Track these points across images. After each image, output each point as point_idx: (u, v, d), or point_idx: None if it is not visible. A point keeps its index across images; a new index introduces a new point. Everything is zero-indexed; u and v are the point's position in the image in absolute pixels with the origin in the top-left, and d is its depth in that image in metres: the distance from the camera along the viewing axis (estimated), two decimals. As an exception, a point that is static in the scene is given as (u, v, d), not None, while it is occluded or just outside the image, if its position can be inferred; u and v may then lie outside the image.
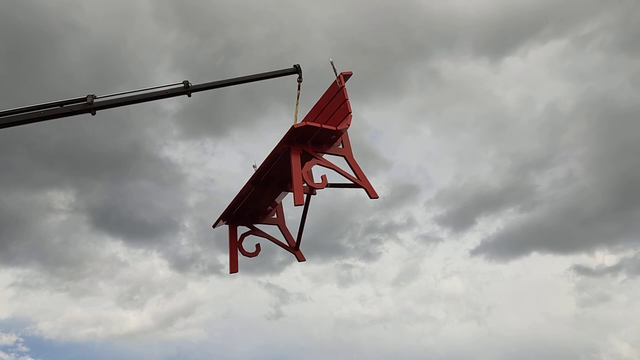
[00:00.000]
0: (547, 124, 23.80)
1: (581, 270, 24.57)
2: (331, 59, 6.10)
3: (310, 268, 25.86)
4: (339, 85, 5.93)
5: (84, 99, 5.48)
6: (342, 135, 5.74)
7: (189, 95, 6.44)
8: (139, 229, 23.39)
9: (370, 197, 5.55)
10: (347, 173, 5.64)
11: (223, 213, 6.52)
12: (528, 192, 23.79)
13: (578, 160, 23.28)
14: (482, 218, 25.10)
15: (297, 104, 6.68)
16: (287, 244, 6.55)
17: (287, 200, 6.68)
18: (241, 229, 6.69)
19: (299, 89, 7.01)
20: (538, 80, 25.27)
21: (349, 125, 5.62)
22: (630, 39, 22.03)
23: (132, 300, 24.07)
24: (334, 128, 5.52)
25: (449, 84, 23.97)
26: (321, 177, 5.49)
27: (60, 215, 22.97)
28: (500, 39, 23.23)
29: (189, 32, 20.91)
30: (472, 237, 26.95)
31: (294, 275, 26.28)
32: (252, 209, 6.54)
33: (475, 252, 24.96)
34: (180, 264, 24.12)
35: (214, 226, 6.71)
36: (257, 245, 6.58)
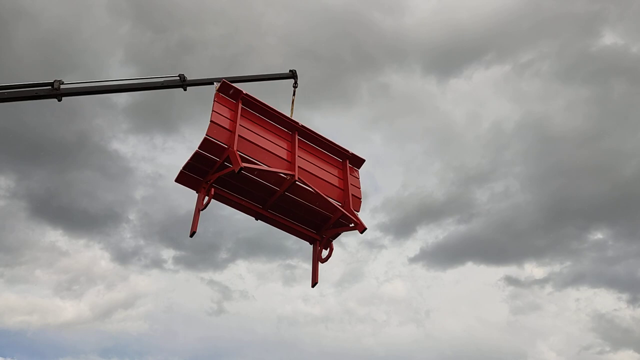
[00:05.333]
0: (492, 141, 25.15)
1: (511, 281, 26.01)
2: (215, 84, 6.45)
3: (255, 266, 26.08)
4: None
5: (51, 84, 5.19)
6: (227, 141, 6.01)
7: (185, 89, 6.49)
8: (81, 219, 22.98)
9: (236, 172, 5.66)
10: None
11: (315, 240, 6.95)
12: (467, 205, 25.04)
13: (515, 177, 24.70)
14: (423, 227, 26.17)
15: (292, 109, 7.00)
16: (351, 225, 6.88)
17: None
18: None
19: (294, 94, 7.29)
20: (483, 101, 26.65)
21: (207, 135, 5.94)
22: (563, 69, 23.68)
23: (70, 290, 23.57)
24: (196, 150, 5.94)
25: (399, 98, 24.91)
26: (208, 195, 5.91)
27: (-2, 200, 22.26)
28: (447, 61, 24.41)
29: (143, 26, 20.81)
30: (413, 245, 28.04)
31: (238, 272, 26.43)
32: (319, 217, 6.91)
33: (413, 260, 25.96)
34: (123, 256, 23.83)
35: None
36: (330, 246, 6.97)
